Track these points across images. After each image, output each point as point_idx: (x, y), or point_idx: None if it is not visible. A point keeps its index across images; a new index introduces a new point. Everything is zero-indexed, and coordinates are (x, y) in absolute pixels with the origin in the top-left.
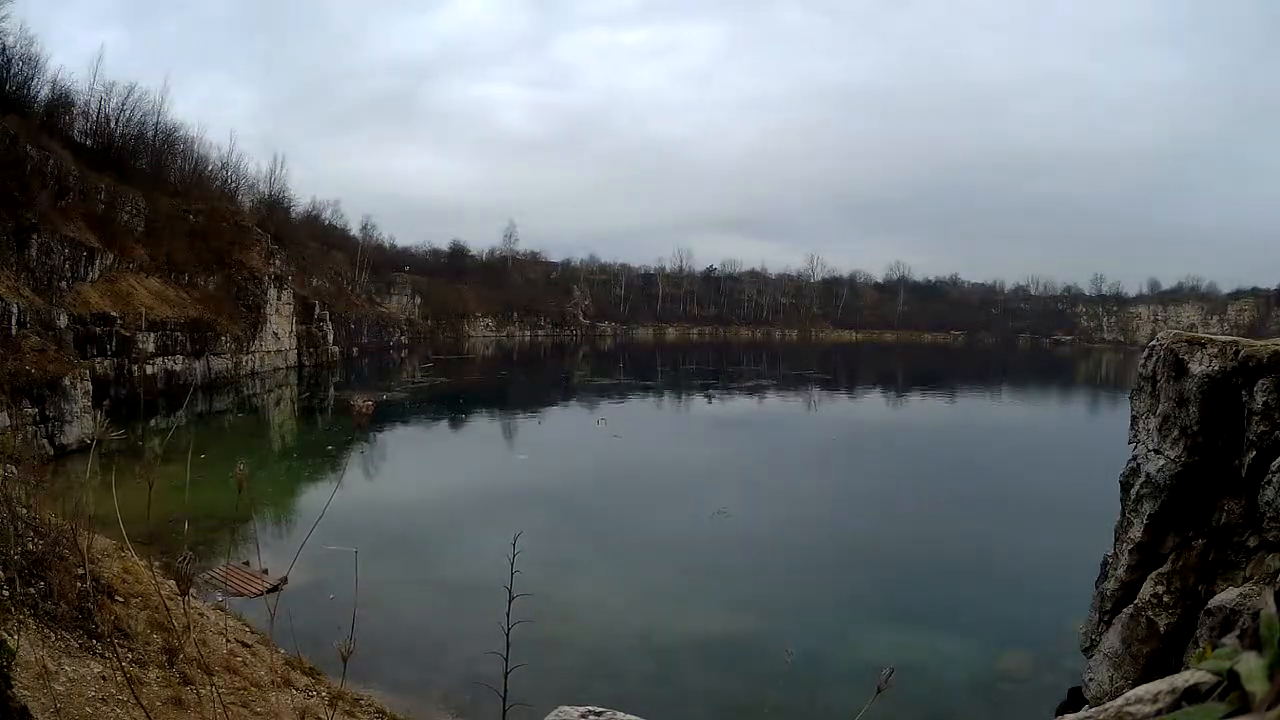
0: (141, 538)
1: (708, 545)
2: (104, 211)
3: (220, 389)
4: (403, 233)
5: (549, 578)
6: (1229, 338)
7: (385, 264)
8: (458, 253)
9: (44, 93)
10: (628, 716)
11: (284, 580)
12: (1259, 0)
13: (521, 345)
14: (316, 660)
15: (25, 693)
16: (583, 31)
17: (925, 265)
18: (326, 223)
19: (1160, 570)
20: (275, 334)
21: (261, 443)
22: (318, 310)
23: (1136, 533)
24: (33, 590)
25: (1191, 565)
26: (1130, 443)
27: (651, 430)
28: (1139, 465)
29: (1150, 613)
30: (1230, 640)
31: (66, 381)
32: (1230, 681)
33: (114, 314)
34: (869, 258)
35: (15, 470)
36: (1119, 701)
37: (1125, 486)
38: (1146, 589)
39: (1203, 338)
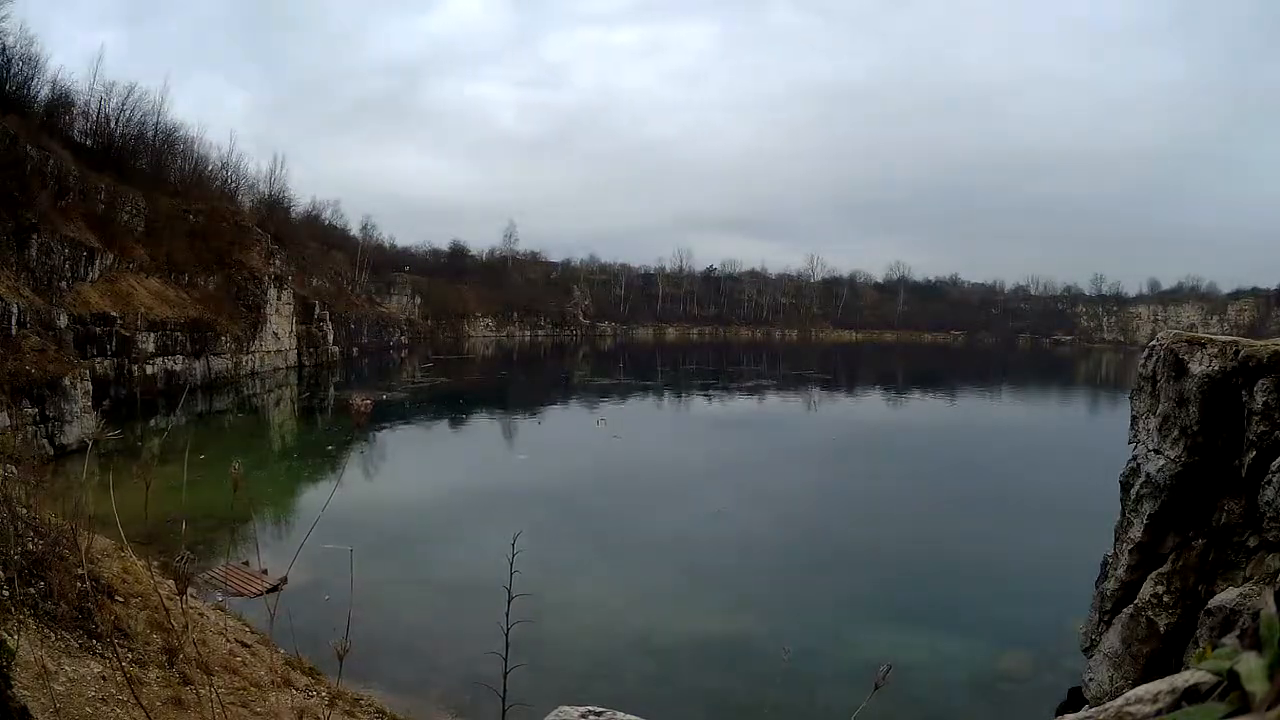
0: (140, 538)
1: (707, 545)
2: (104, 211)
3: (220, 389)
4: (403, 233)
5: (549, 578)
6: (1229, 338)
7: (385, 264)
8: (458, 253)
9: (44, 93)
10: (628, 716)
11: (284, 580)
12: (1259, 0)
13: (521, 345)
14: (316, 660)
15: (25, 693)
16: (574, 31)
17: (925, 265)
18: (326, 223)
19: (1160, 570)
20: (275, 334)
21: (261, 442)
22: (318, 310)
23: (1136, 533)
24: (33, 590)
25: (1191, 565)
26: (1130, 443)
27: (651, 430)
28: (1139, 465)
29: (1150, 613)
30: (1230, 640)
31: (66, 381)
32: (1230, 681)
33: (114, 314)
34: (869, 258)
35: (15, 470)
36: (1119, 701)
37: (1125, 486)
38: (1146, 589)
39: (1203, 338)
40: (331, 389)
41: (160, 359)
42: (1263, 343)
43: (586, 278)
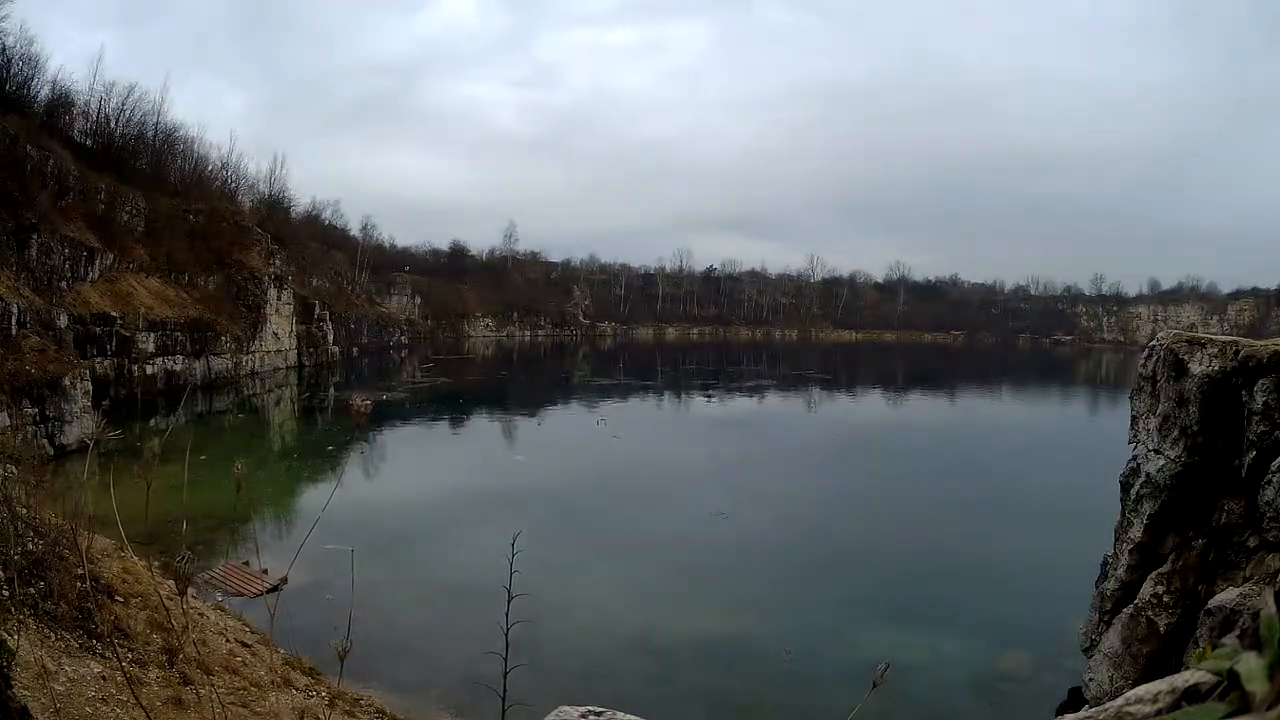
0: (140, 538)
1: (707, 545)
2: (104, 211)
3: (220, 389)
4: (403, 233)
5: (548, 578)
6: (1229, 338)
7: (385, 264)
8: (458, 253)
9: (44, 93)
10: (628, 716)
11: (284, 580)
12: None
13: (521, 345)
14: (316, 660)
15: (25, 693)
16: (567, 31)
17: (925, 265)
18: (326, 223)
19: (1160, 570)
20: (275, 334)
21: (261, 442)
22: (318, 310)
23: (1136, 533)
24: (33, 590)
25: (1191, 565)
26: (1130, 443)
27: (651, 430)
28: (1139, 465)
29: (1150, 613)
30: (1230, 640)
31: (66, 381)
32: (1230, 681)
33: (114, 314)
34: (869, 258)
35: (15, 470)
36: (1119, 701)
37: (1125, 486)
38: (1146, 589)
39: (1203, 338)
40: (331, 389)
41: (160, 359)
42: (1263, 343)
43: (586, 278)
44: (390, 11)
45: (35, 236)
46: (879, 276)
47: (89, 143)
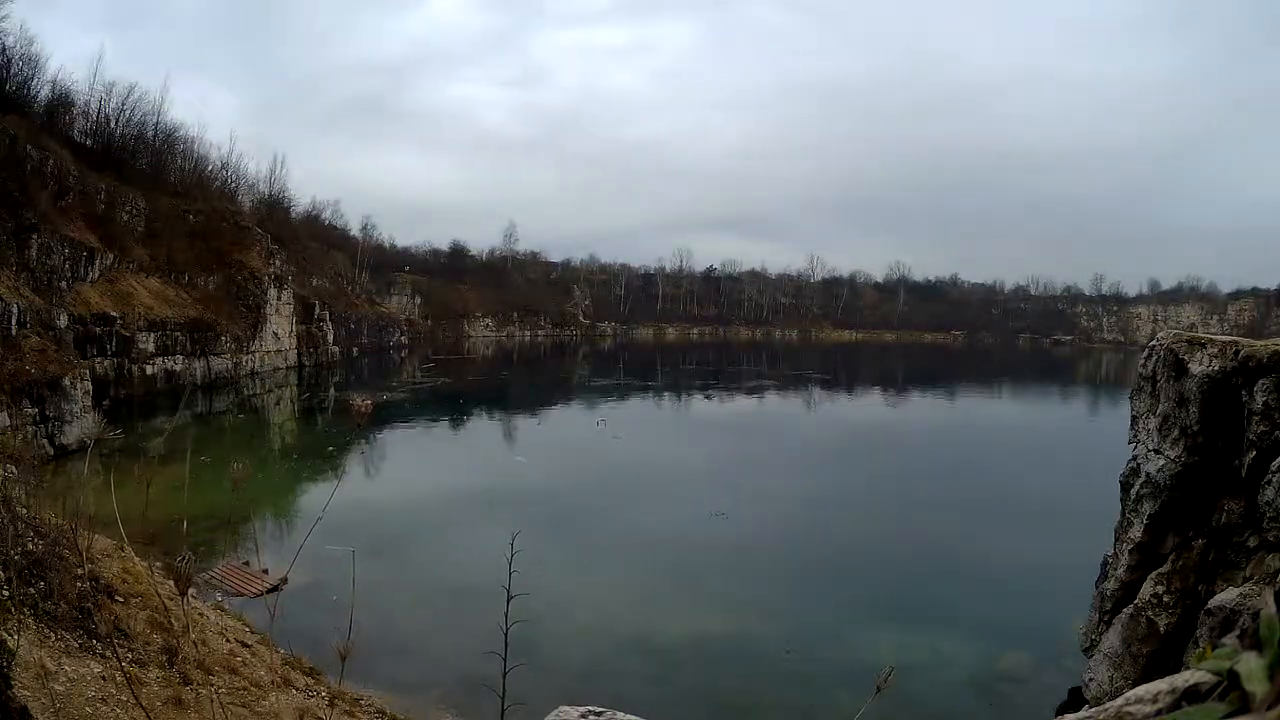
0: (141, 538)
1: (707, 545)
2: (104, 211)
3: (220, 389)
4: (403, 233)
5: (548, 578)
6: (1229, 338)
7: (385, 264)
8: (458, 253)
9: (44, 93)
10: (628, 716)
11: (284, 580)
12: None
13: (521, 345)
14: (316, 660)
15: (25, 693)
16: (558, 31)
17: (925, 265)
18: (326, 223)
19: (1160, 570)
20: (275, 334)
21: (261, 443)
22: (318, 310)
23: (1136, 533)
24: (33, 590)
25: (1191, 565)
26: (1130, 443)
27: (652, 431)
28: (1139, 465)
29: (1150, 613)
30: (1230, 640)
31: (66, 381)
32: (1230, 681)
33: (114, 314)
34: (869, 258)
35: (15, 470)
36: (1119, 701)
37: (1125, 486)
38: (1146, 589)
39: (1203, 338)
40: (331, 389)
41: (160, 359)
42: (1263, 343)
43: (586, 278)
44: (382, 11)
45: (35, 236)
46: (879, 276)
47: (89, 143)
